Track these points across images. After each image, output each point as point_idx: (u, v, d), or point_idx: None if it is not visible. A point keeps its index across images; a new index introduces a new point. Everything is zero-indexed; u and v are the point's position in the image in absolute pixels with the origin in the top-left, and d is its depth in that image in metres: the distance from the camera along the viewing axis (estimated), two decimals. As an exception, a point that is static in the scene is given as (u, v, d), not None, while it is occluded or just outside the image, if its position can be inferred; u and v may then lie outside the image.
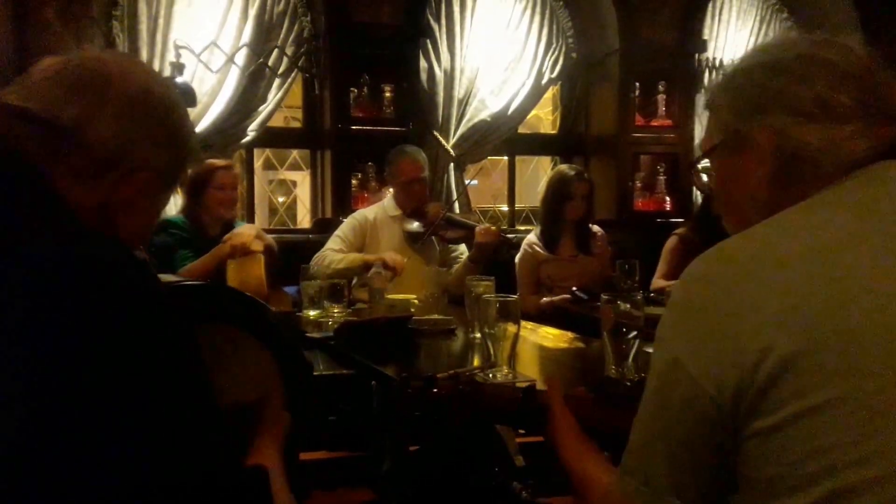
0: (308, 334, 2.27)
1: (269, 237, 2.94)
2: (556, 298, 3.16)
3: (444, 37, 4.32)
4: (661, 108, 4.62)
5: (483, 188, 6.03)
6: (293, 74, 4.21)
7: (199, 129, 3.84)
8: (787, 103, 0.77)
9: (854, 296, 0.64)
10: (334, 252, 3.14)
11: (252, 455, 0.99)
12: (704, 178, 0.91)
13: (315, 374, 1.86)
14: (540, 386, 1.62)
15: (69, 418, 0.66)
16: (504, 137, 4.55)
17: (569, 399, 1.00)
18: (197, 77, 3.94)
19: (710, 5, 4.77)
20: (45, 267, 0.70)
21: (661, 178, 4.63)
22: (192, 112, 3.75)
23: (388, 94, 4.18)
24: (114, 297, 0.71)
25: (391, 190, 3.43)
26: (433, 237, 3.21)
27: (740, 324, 0.66)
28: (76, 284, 0.70)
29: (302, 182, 5.05)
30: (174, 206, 3.24)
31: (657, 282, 3.38)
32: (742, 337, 0.66)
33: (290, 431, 1.08)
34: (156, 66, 3.76)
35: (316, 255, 3.14)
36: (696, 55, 4.72)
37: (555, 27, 4.61)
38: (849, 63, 0.77)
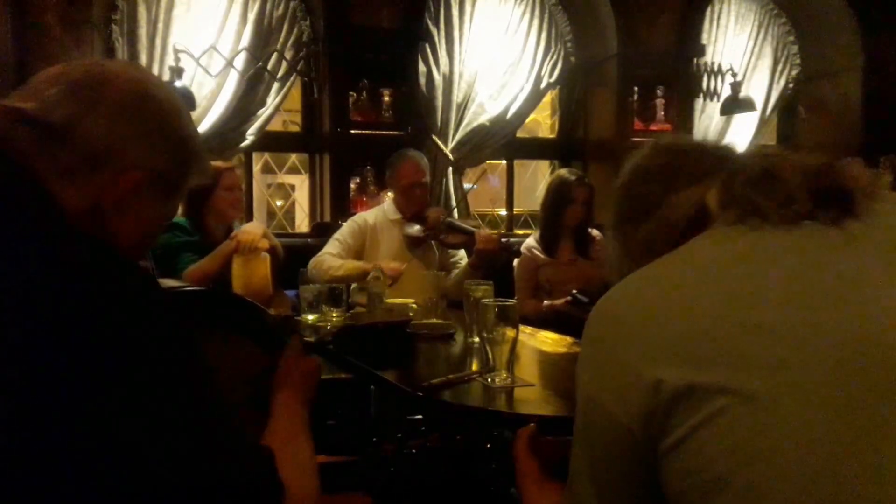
0: (306, 338, 2.26)
1: (276, 238, 2.95)
2: (556, 302, 3.15)
3: (443, 41, 4.33)
4: (660, 113, 4.63)
5: (482, 192, 6.03)
6: (292, 78, 4.22)
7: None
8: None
9: (737, 308, 0.67)
10: (332, 257, 3.13)
11: (275, 411, 1.01)
12: None
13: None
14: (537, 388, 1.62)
15: (59, 427, 0.66)
16: (503, 141, 4.56)
17: (535, 444, 1.03)
18: (196, 81, 3.95)
19: (709, 10, 4.79)
20: (30, 269, 0.70)
21: (660, 182, 4.63)
22: (191, 116, 3.74)
23: (386, 99, 4.18)
24: (99, 299, 0.71)
25: (390, 194, 3.43)
26: (433, 242, 3.21)
27: (633, 355, 0.70)
28: (60, 287, 0.69)
29: (300, 186, 5.05)
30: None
31: None
32: (637, 366, 0.69)
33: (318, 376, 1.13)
34: (155, 71, 3.77)
35: (314, 259, 3.13)
36: (695, 59, 4.73)
37: (553, 31, 4.62)
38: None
